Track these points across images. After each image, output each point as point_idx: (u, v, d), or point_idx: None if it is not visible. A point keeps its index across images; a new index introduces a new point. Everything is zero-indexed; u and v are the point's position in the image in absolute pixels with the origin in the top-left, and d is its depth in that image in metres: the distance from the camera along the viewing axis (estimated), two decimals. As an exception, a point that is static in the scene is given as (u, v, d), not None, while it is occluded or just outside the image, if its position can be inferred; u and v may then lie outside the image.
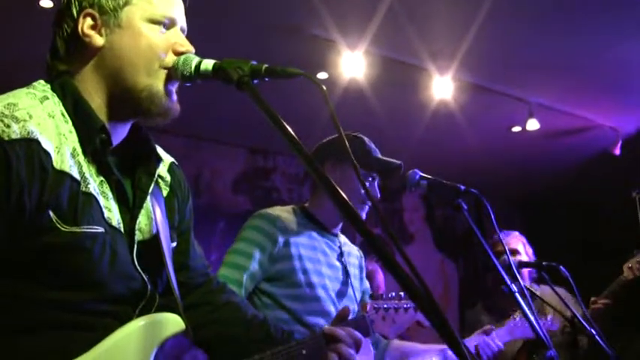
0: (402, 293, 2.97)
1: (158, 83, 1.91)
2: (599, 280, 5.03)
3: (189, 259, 2.27)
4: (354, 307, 3.47)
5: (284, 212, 3.43)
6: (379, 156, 3.51)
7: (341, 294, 3.44)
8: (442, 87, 6.91)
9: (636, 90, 7.57)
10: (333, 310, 3.31)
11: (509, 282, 2.97)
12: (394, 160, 3.48)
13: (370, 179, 3.47)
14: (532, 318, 2.97)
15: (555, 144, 8.89)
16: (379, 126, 7.56)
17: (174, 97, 1.97)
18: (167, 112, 1.95)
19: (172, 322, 1.91)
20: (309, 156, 1.52)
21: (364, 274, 3.72)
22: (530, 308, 3.17)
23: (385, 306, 2.86)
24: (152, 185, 2.00)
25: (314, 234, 3.44)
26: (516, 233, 5.04)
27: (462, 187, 3.04)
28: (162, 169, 2.16)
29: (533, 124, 7.70)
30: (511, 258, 4.51)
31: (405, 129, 7.97)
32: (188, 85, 1.94)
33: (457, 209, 3.02)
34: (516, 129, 8.29)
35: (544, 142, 8.72)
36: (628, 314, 5.30)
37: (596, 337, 3.71)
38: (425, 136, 8.09)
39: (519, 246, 4.88)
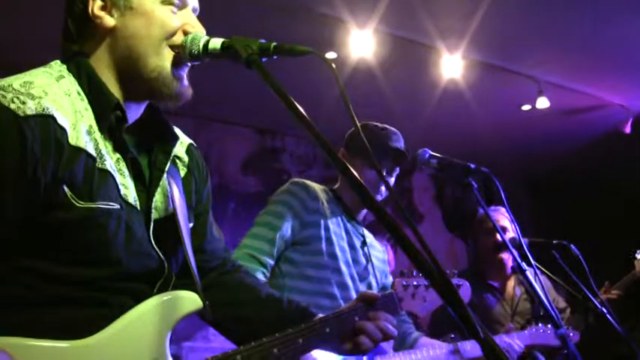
0: None
1: (166, 65, 1.91)
2: (608, 261, 5.02)
3: (206, 241, 2.27)
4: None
5: (318, 186, 3.54)
6: (389, 142, 3.56)
7: (361, 277, 3.50)
8: (452, 65, 6.88)
9: (646, 67, 7.53)
10: (351, 286, 3.40)
11: (520, 261, 2.97)
12: (399, 147, 3.53)
13: (386, 167, 3.55)
14: (542, 295, 2.97)
15: (565, 122, 8.86)
16: (388, 105, 7.55)
17: (185, 82, 1.97)
18: (178, 96, 1.96)
19: (190, 300, 1.91)
20: (321, 135, 1.51)
21: (388, 270, 3.79)
22: (542, 288, 3.17)
23: (415, 283, 2.81)
24: (168, 164, 2.01)
25: (340, 214, 3.54)
26: (503, 209, 5.00)
27: (473, 166, 3.04)
28: (180, 150, 2.16)
29: (543, 103, 7.66)
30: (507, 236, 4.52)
31: (415, 108, 7.95)
32: (196, 64, 1.93)
33: (467, 188, 3.01)
34: (526, 107, 8.26)
35: (554, 120, 8.68)
36: (637, 309, 5.30)
37: (608, 316, 3.71)
38: (434, 115, 8.07)
39: (507, 222, 4.85)
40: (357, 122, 1.63)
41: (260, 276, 3.17)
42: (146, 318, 1.83)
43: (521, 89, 7.73)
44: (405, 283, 2.77)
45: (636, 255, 4.93)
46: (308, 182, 3.49)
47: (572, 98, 8.14)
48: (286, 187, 3.45)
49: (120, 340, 1.78)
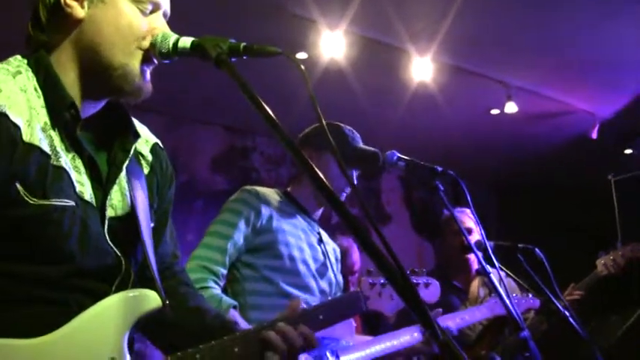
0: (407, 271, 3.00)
1: (134, 63, 1.91)
2: (573, 264, 5.07)
3: (160, 245, 2.25)
4: (334, 290, 3.60)
5: (269, 191, 3.56)
6: (357, 145, 3.60)
7: (320, 273, 3.52)
8: (422, 68, 6.91)
9: (613, 74, 7.60)
10: (314, 286, 3.43)
11: (484, 263, 3.01)
12: (371, 149, 3.55)
13: (350, 167, 3.58)
14: (505, 298, 3.00)
15: (533, 127, 8.92)
16: (359, 106, 7.57)
17: (148, 77, 1.96)
18: (139, 92, 1.94)
19: (150, 298, 1.89)
20: (288, 136, 1.53)
21: (339, 267, 3.80)
22: (504, 289, 3.21)
23: (382, 281, 2.84)
24: (127, 161, 1.99)
25: (295, 214, 3.56)
26: (468, 211, 5.04)
27: (439, 169, 3.06)
28: (145, 148, 2.15)
29: (511, 107, 7.72)
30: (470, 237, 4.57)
31: (385, 110, 7.98)
32: (166, 62, 1.93)
33: (434, 190, 3.04)
34: (495, 112, 8.31)
35: (522, 125, 8.74)
36: (600, 304, 5.36)
37: (570, 319, 3.75)
38: (404, 117, 8.10)
39: (473, 224, 4.91)
40: (323, 122, 1.64)
41: (211, 284, 3.16)
42: (104, 316, 1.82)
43: (491, 93, 7.78)
44: (371, 281, 2.81)
45: (598, 256, 4.99)
46: (259, 188, 3.52)
47: (541, 103, 8.20)
48: (237, 196, 3.48)
49: (76, 338, 1.77)
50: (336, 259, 3.76)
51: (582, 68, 7.41)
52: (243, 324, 2.86)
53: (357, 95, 7.42)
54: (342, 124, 3.67)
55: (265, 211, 3.39)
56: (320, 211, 3.70)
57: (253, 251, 3.36)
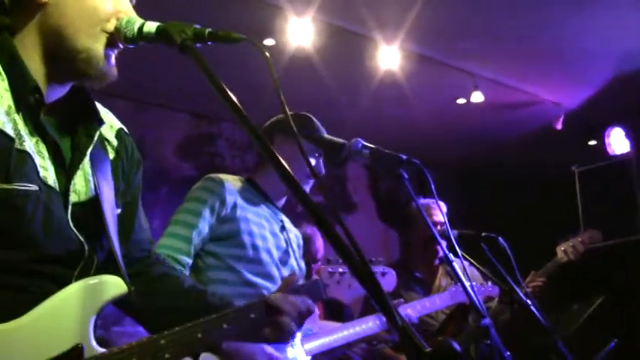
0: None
1: (98, 47, 1.89)
2: (537, 253, 5.11)
3: (133, 231, 2.25)
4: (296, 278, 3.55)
5: (232, 178, 3.56)
6: (325, 135, 3.62)
7: (283, 261, 3.54)
8: (389, 57, 6.93)
9: (579, 66, 7.68)
10: (276, 274, 3.44)
11: (447, 252, 3.03)
12: (339, 139, 3.56)
13: (316, 155, 3.62)
14: (468, 286, 3.02)
15: (499, 117, 9.00)
16: (326, 94, 7.58)
17: (113, 61, 1.94)
18: (104, 76, 1.93)
19: (115, 285, 1.89)
20: (252, 124, 1.53)
21: (302, 254, 3.81)
22: (466, 277, 3.23)
23: (341, 270, 2.84)
24: (91, 147, 1.97)
25: (259, 202, 3.56)
26: (441, 203, 5.08)
27: (404, 157, 3.05)
28: (110, 134, 2.14)
29: (477, 97, 7.78)
30: (439, 228, 4.60)
31: (352, 98, 7.99)
32: (131, 47, 1.91)
33: (398, 179, 3.04)
34: (461, 101, 8.36)
35: (488, 114, 8.81)
36: (561, 292, 5.41)
37: (532, 307, 3.78)
38: (371, 105, 8.12)
39: (438, 214, 4.93)
40: (286, 109, 1.64)
41: None
42: (68, 303, 1.81)
43: (457, 83, 7.82)
44: (330, 270, 2.80)
45: (558, 243, 5.03)
46: (223, 176, 3.51)
47: (507, 94, 8.27)
48: (201, 184, 3.47)
49: (40, 325, 1.76)
50: (299, 246, 3.78)
51: (549, 59, 7.47)
52: None
53: (324, 83, 7.42)
54: (309, 114, 3.69)
55: (230, 199, 3.40)
56: (284, 200, 3.72)
57: (217, 240, 3.38)
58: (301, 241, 3.84)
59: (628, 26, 6.73)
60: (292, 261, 3.61)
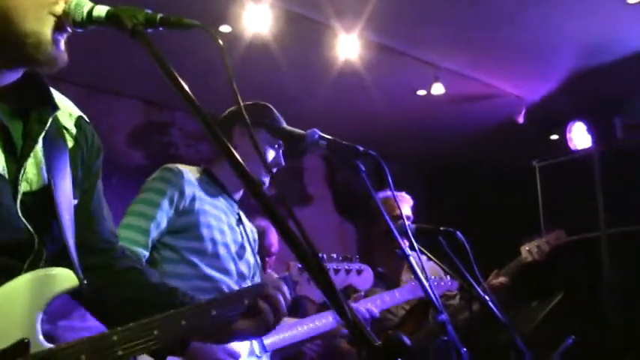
0: (333, 254, 3.03)
1: (46, 30, 1.85)
2: (497, 249, 5.17)
3: (95, 221, 2.22)
4: (252, 272, 3.63)
5: (190, 169, 3.55)
6: (284, 125, 3.62)
7: (239, 256, 3.55)
8: (348, 45, 6.93)
9: (541, 58, 7.75)
10: (233, 269, 3.46)
11: (403, 245, 3.06)
12: (298, 130, 3.52)
13: (276, 146, 3.65)
14: (425, 282, 3.05)
15: (460, 110, 9.04)
16: (283, 83, 7.57)
17: (62, 46, 1.91)
18: (53, 61, 1.90)
19: (65, 278, 1.86)
20: (204, 114, 1.52)
21: (257, 248, 3.83)
22: (424, 272, 3.26)
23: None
24: (42, 133, 1.94)
25: (216, 194, 3.57)
26: (407, 196, 5.13)
27: (360, 149, 3.06)
28: (68, 122, 2.11)
29: (438, 89, 7.81)
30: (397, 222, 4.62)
31: (310, 87, 7.98)
32: (80, 31, 1.89)
33: (355, 170, 3.05)
34: (421, 92, 8.37)
35: (449, 107, 8.83)
36: (523, 293, 5.47)
37: (490, 304, 3.82)
38: (330, 95, 8.11)
39: (409, 210, 4.98)
40: (239, 100, 1.65)
41: None
42: (15, 295, 1.79)
43: (418, 74, 7.84)
44: (300, 266, 2.77)
45: (522, 243, 5.09)
46: (181, 167, 3.48)
47: (468, 86, 8.31)
48: (159, 174, 3.44)
49: (-15, 317, 1.74)
50: (254, 240, 3.79)
51: (511, 51, 7.54)
52: None
53: (282, 71, 7.41)
54: (269, 105, 3.71)
55: (189, 191, 3.38)
56: (241, 192, 3.72)
57: (175, 233, 3.37)
58: (256, 235, 3.84)
59: (591, 19, 6.81)
60: (248, 255, 3.62)
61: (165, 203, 3.31)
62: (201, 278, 3.34)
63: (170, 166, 3.47)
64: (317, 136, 3.18)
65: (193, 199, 3.39)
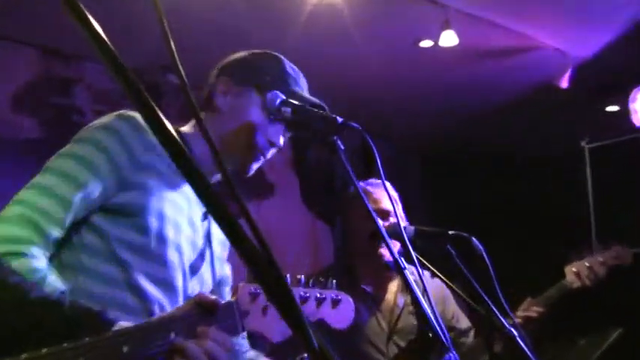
0: (300, 276, 2.88)
1: None
2: (528, 265, 5.19)
3: None
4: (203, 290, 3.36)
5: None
6: (301, 91, 3.55)
7: (193, 269, 3.32)
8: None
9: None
10: (179, 285, 3.19)
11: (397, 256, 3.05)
12: (316, 100, 3.45)
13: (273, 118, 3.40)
14: (426, 305, 3.05)
15: (478, 68, 9.02)
16: (241, 26, 7.55)
17: None
18: None
19: None
20: (124, 68, 1.53)
21: (225, 256, 3.65)
22: (425, 295, 3.25)
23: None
24: None
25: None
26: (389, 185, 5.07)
27: (339, 120, 3.02)
28: None
29: (449, 38, 7.81)
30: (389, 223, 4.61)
31: (274, 35, 7.93)
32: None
33: (331, 150, 3.01)
34: (426, 43, 8.37)
35: (463, 64, 8.85)
36: (566, 327, 5.49)
37: (520, 342, 3.79)
38: (299, 45, 8.03)
39: (390, 203, 4.96)
40: (174, 53, 1.66)
41: (33, 252, 2.77)
42: None
43: (421, 18, 7.85)
44: (253, 290, 2.66)
45: (569, 261, 5.01)
46: (138, 117, 3.12)
47: (490, 35, 8.29)
48: (109, 121, 3.12)
49: None
50: (223, 245, 3.59)
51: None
52: None
53: (240, 12, 7.38)
54: (282, 58, 3.64)
55: (146, 156, 3.11)
56: (218, 177, 3.45)
57: (109, 213, 3.05)
58: (227, 242, 3.57)
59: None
60: (205, 270, 3.40)
61: (106, 166, 2.99)
62: (129, 289, 3.02)
63: (128, 113, 3.16)
64: (279, 100, 3.16)
65: (148, 168, 3.10)
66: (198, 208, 3.38)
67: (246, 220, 1.47)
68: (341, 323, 2.98)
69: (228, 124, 3.42)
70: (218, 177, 3.45)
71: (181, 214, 3.25)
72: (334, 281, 2.99)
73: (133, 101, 1.52)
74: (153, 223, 3.08)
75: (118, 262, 3.02)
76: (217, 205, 1.39)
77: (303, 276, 2.89)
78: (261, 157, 3.45)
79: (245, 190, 8.49)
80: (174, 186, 3.24)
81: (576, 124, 8.81)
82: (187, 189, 3.27)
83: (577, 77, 8.80)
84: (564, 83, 8.83)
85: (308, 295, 2.88)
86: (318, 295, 2.92)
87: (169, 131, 1.46)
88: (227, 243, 3.58)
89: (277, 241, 8.94)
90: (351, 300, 3.02)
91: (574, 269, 4.93)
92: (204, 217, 3.42)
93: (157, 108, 1.51)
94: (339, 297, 2.97)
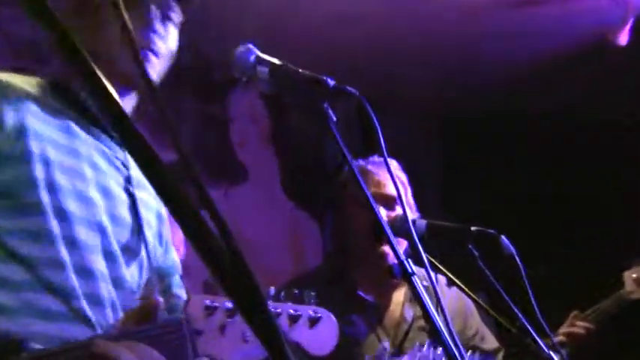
0: (270, 288, 2.82)
1: None
2: (573, 270, 5.19)
3: None
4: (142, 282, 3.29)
5: (21, 81, 3.14)
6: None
7: (129, 250, 3.21)
8: None
9: None
10: (105, 274, 3.06)
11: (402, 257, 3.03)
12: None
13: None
14: (440, 320, 3.03)
15: (511, 19, 9.01)
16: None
17: None
18: None
19: None
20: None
21: (169, 236, 3.54)
22: (442, 309, 3.24)
23: (229, 306, 2.63)
24: None
25: (76, 128, 3.18)
26: (395, 164, 4.96)
27: (331, 83, 3.00)
28: None
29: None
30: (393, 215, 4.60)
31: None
32: None
33: (319, 121, 2.98)
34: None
35: (495, 13, 8.82)
36: (618, 348, 5.50)
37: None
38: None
39: (394, 189, 4.93)
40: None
41: None
42: None
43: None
44: (209, 303, 2.61)
45: (626, 266, 5.00)
46: (5, 77, 3.11)
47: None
48: None
49: None
50: (159, 218, 3.48)
51: None
52: None
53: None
54: None
55: (13, 120, 2.97)
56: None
57: None
58: (164, 216, 3.48)
59: None
60: (143, 252, 3.26)
61: None
62: (43, 289, 2.88)
63: None
64: (253, 57, 3.12)
65: (23, 133, 2.97)
66: (112, 172, 3.25)
67: (208, 211, 1.44)
68: (320, 348, 2.92)
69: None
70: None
71: (83, 180, 3.10)
72: (313, 294, 2.92)
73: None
74: (44, 198, 2.95)
75: (18, 259, 2.89)
76: (169, 184, 1.36)
77: (273, 287, 2.84)
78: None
79: (208, 171, 8.48)
80: (64, 148, 3.10)
81: (636, 92, 8.81)
82: (84, 147, 3.15)
83: (638, 32, 8.78)
84: (622, 39, 8.80)
85: (279, 310, 2.81)
86: (292, 312, 2.86)
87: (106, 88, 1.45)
88: (163, 218, 3.47)
89: (250, 237, 8.91)
90: (333, 318, 2.96)
91: (635, 275, 4.92)
92: (127, 182, 3.30)
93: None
94: (319, 314, 2.91)
